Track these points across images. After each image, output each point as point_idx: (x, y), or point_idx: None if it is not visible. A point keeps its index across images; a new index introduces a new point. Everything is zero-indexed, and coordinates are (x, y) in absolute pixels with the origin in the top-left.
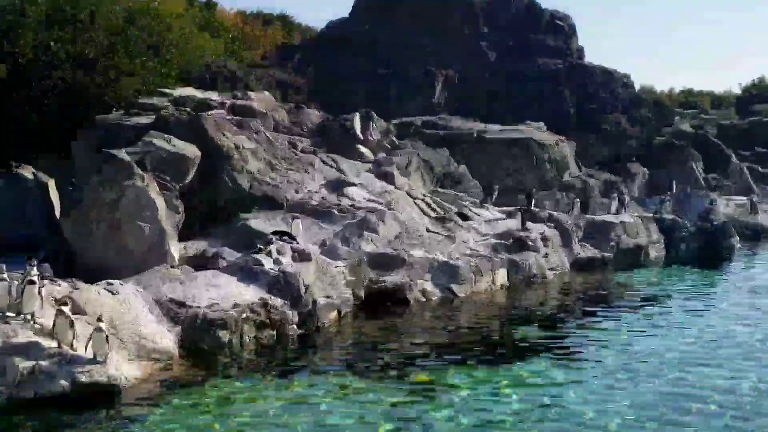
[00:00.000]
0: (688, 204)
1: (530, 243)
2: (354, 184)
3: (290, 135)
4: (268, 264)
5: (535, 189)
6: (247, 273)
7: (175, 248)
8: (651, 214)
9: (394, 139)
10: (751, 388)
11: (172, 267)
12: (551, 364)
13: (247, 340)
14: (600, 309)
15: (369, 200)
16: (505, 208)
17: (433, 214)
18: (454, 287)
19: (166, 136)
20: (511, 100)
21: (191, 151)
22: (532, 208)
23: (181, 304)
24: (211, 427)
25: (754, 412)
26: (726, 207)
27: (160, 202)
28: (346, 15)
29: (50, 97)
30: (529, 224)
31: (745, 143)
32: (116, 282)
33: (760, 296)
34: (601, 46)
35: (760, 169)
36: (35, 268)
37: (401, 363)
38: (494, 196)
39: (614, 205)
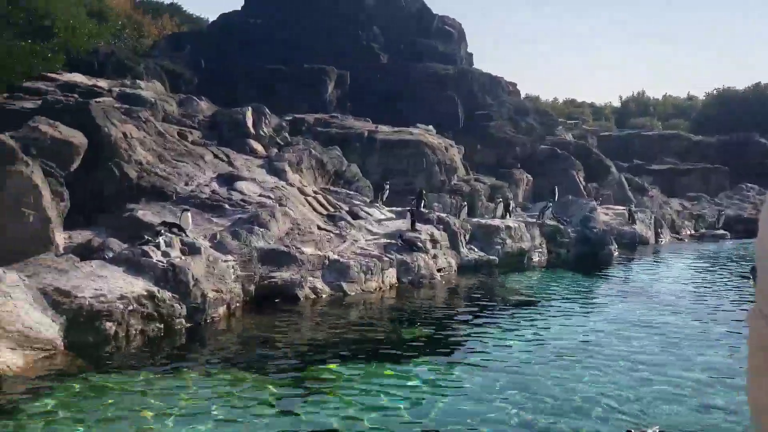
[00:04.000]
0: (570, 211)
1: (419, 244)
2: (245, 179)
3: (180, 126)
4: (156, 256)
5: (425, 190)
6: (134, 265)
7: (60, 237)
8: (534, 220)
9: (287, 135)
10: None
11: (57, 256)
12: (433, 361)
13: (134, 333)
14: (484, 309)
15: (260, 195)
16: (395, 209)
17: (324, 212)
18: (345, 285)
19: (52, 122)
20: (402, 102)
21: (78, 138)
22: (422, 209)
23: (66, 294)
24: (90, 418)
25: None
26: (605, 215)
27: (45, 190)
28: (239, 8)
29: None
30: (418, 225)
31: (623, 155)
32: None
33: (628, 300)
34: (488, 55)
35: (637, 180)
36: None
37: (287, 358)
38: (385, 196)
39: (500, 209)
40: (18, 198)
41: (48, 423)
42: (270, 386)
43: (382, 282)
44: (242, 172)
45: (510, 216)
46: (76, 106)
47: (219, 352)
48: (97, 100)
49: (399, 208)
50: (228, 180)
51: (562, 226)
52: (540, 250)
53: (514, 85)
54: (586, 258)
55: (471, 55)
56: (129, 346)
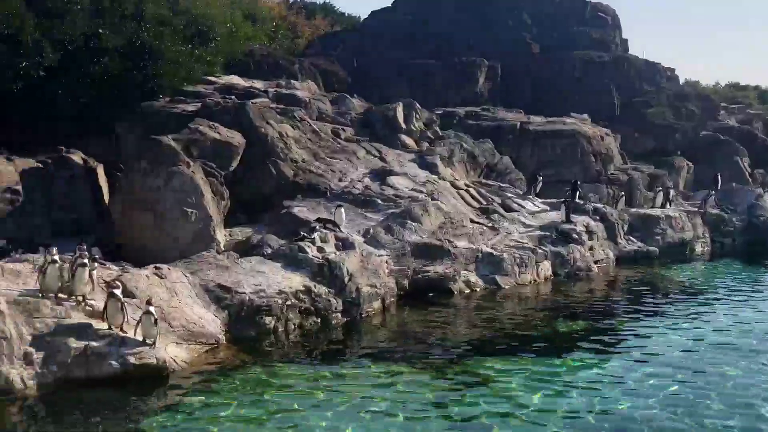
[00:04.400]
0: (735, 199)
1: (575, 236)
2: (397, 174)
3: (333, 124)
4: (311, 252)
5: (579, 181)
6: (292, 260)
7: (221, 235)
8: (696, 209)
9: (437, 129)
10: None
11: (218, 253)
12: (595, 357)
13: (292, 327)
14: (645, 303)
15: (412, 190)
16: (549, 200)
17: (476, 205)
18: (498, 279)
19: (211, 123)
20: (555, 91)
21: (237, 139)
22: (577, 200)
23: (228, 290)
24: (255, 411)
25: None
26: None
27: (206, 190)
28: (389, 5)
29: (98, 83)
30: (573, 217)
31: None
32: (164, 266)
33: None
34: (644, 42)
35: None
36: (86, 252)
37: (444, 353)
38: (538, 188)
39: (659, 198)
40: (181, 198)
41: (213, 416)
42: (426, 380)
43: (537, 275)
44: (394, 167)
45: (670, 205)
46: (234, 108)
47: (375, 346)
48: (254, 101)
49: (553, 200)
50: (380, 175)
51: (726, 215)
52: (703, 240)
53: (672, 70)
54: (754, 248)
55: (626, 41)
56: (288, 339)
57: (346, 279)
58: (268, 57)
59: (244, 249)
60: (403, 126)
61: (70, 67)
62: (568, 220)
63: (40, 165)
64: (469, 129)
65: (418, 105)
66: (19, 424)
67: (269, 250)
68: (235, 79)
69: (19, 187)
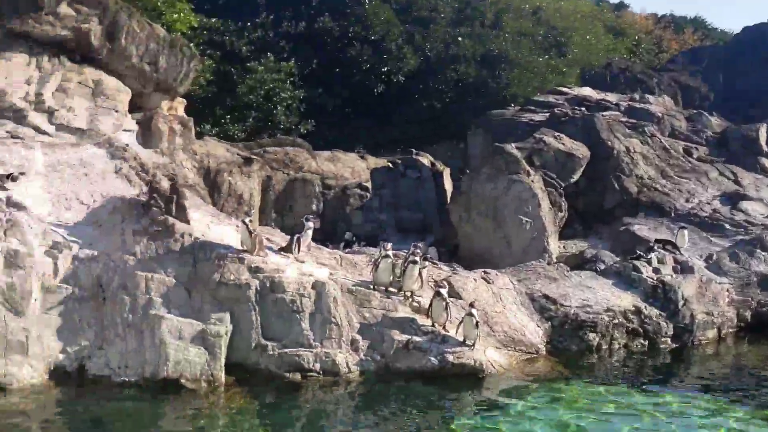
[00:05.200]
0: None
1: None
2: (752, 198)
3: (686, 142)
4: (646, 272)
5: None
6: (624, 279)
7: (554, 246)
8: None
9: None
10: None
11: (548, 264)
12: None
13: (616, 346)
14: None
15: (767, 217)
16: None
17: None
18: None
19: (556, 134)
20: None
21: (581, 150)
22: None
23: (553, 301)
24: (569, 426)
25: None
26: None
27: (543, 199)
28: (765, 20)
29: (452, 89)
30: None
31: None
32: (492, 272)
33: None
34: None
35: None
36: (419, 250)
37: None
38: None
39: None
40: (518, 206)
41: (529, 422)
42: (759, 422)
43: None
44: (749, 191)
45: None
46: (581, 120)
47: (703, 378)
48: (604, 113)
49: None
50: (732, 198)
51: None
52: None
53: None
54: None
55: None
56: (611, 358)
57: (681, 303)
58: (626, 70)
59: (576, 262)
60: (765, 148)
61: (428, 73)
62: None
63: (390, 165)
64: None
65: None
66: (342, 402)
67: (602, 266)
68: (588, 91)
69: (369, 184)
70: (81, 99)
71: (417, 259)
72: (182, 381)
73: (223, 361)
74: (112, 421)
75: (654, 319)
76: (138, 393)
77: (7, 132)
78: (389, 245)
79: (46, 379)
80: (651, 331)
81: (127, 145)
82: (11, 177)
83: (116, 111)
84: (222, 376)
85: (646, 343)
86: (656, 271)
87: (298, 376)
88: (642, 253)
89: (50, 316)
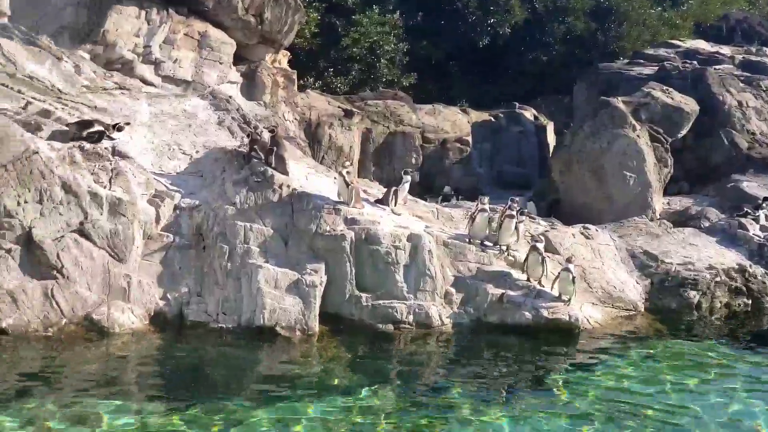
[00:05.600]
0: None
1: None
2: None
3: None
4: (753, 230)
5: None
6: (729, 236)
7: (658, 202)
8: None
9: None
10: None
11: (651, 220)
12: None
13: (717, 305)
14: None
15: None
16: None
17: None
18: None
19: (665, 88)
20: None
21: (690, 105)
22: None
23: (654, 258)
24: (666, 384)
25: None
26: None
27: (649, 155)
28: None
29: (559, 42)
30: None
31: None
32: (592, 227)
33: None
34: None
35: None
36: (516, 204)
37: None
38: None
39: None
40: (622, 161)
41: (619, 379)
42: None
43: None
44: None
45: None
46: (692, 73)
47: None
48: (716, 67)
49: None
50: None
51: None
52: None
53: None
54: None
55: None
56: (711, 317)
57: None
58: (743, 22)
59: (680, 219)
60: None
61: (535, 26)
62: None
63: (492, 119)
64: None
65: None
66: (435, 354)
67: (706, 224)
68: (701, 44)
69: (470, 138)
70: (187, 51)
71: (514, 213)
72: (277, 329)
73: (317, 311)
74: (210, 366)
75: (759, 278)
76: (234, 340)
77: (114, 83)
78: (486, 199)
79: (146, 325)
80: (755, 291)
81: (231, 97)
82: (117, 127)
83: (221, 63)
84: (316, 325)
85: (750, 302)
86: (764, 229)
87: (390, 328)
88: (750, 211)
89: (151, 263)
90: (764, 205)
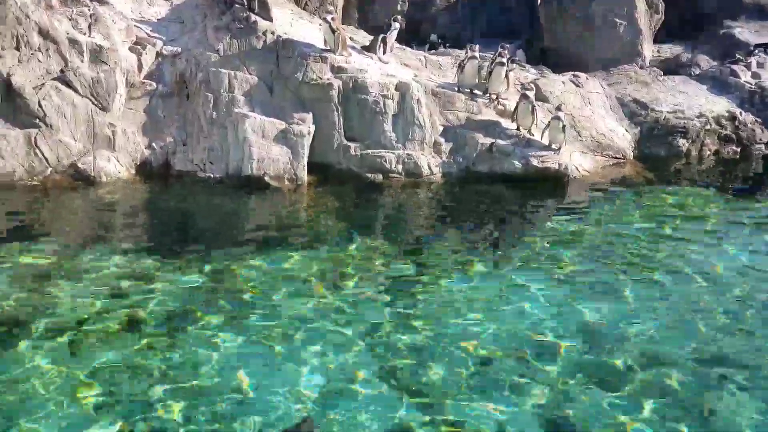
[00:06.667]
0: None
1: None
2: None
3: None
4: (745, 76)
5: None
6: (720, 84)
7: (648, 50)
8: None
9: None
10: None
11: (641, 68)
12: None
13: (707, 153)
14: None
15: None
16: None
17: None
18: None
19: None
20: None
21: None
22: None
23: (644, 106)
24: (651, 230)
25: None
26: None
27: (640, 1)
28: None
29: None
30: None
31: None
32: (582, 75)
33: None
34: None
35: None
36: (506, 52)
37: None
38: None
39: None
40: (612, 7)
41: (610, 223)
42: None
43: None
44: None
45: None
46: None
47: None
48: None
49: None
50: None
51: None
52: None
53: None
54: None
55: None
56: (700, 164)
57: None
58: None
59: (670, 67)
60: None
61: None
62: None
63: None
64: None
65: None
66: (424, 204)
67: (697, 71)
68: None
69: None
70: None
71: (504, 60)
72: (266, 179)
73: (305, 160)
74: (199, 213)
75: (749, 125)
76: (222, 189)
77: None
78: (476, 47)
79: (132, 174)
80: (745, 138)
81: None
82: None
83: None
84: (305, 175)
85: (739, 150)
86: (755, 75)
87: (380, 177)
88: (741, 57)
89: (135, 111)
90: (756, 51)
